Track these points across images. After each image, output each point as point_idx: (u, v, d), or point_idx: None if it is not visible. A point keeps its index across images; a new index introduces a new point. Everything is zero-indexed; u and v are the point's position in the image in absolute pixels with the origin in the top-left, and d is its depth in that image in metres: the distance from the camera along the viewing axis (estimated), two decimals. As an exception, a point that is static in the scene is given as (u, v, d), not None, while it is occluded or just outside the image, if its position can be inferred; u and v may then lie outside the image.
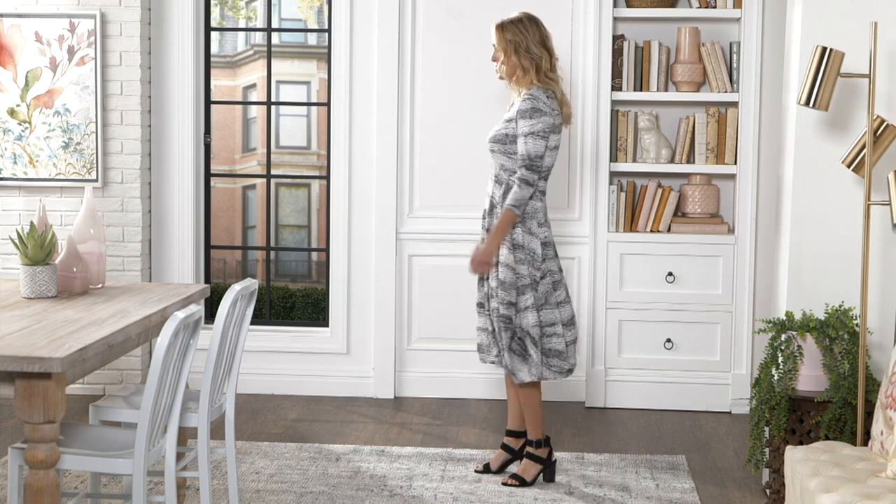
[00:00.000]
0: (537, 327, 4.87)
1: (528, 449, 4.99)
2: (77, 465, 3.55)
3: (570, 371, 4.99)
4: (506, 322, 4.86)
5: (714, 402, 6.23)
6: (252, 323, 6.10)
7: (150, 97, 6.42)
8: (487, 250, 4.85)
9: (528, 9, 5.92)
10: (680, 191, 6.24)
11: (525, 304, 4.86)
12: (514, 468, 5.08)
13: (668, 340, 6.21)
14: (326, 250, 6.54)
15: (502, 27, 4.91)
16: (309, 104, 7.80)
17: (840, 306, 4.60)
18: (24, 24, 6.26)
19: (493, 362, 4.99)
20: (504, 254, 4.86)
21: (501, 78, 4.97)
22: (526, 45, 4.87)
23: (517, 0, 6.11)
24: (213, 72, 6.75)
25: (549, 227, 4.94)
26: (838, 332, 4.51)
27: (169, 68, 6.41)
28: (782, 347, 4.56)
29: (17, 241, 4.23)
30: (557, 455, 5.33)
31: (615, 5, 6.15)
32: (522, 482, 4.95)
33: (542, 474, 5.00)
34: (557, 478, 5.05)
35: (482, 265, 4.87)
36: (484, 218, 4.99)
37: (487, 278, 4.93)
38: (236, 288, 4.04)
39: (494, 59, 4.96)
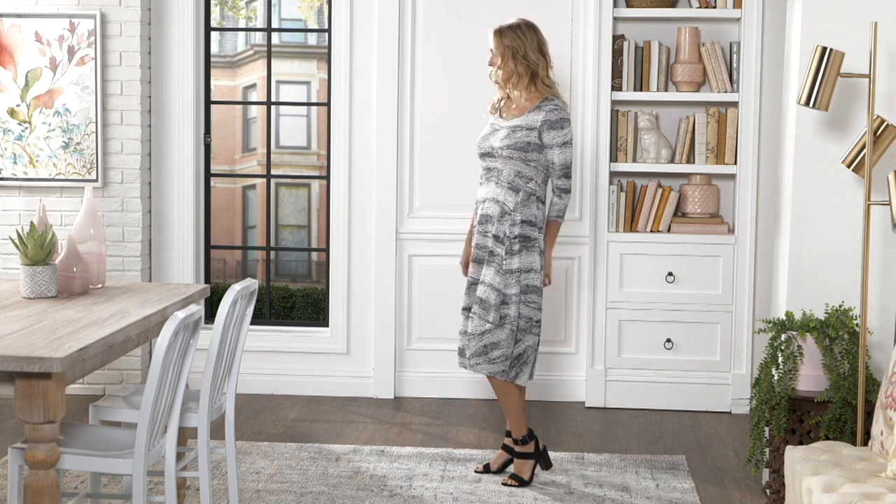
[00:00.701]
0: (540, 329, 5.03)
1: (517, 448, 5.02)
2: (77, 465, 3.55)
3: None
4: (538, 326, 4.95)
5: (714, 402, 6.23)
6: (252, 323, 6.10)
7: (150, 97, 6.42)
8: (550, 265, 5.03)
9: (528, 9, 5.95)
10: (680, 191, 6.24)
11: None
12: (514, 468, 5.08)
13: (668, 340, 6.21)
14: (326, 250, 6.54)
15: (500, 32, 4.93)
16: (309, 104, 7.80)
17: (840, 306, 4.60)
18: (24, 24, 6.26)
19: (495, 371, 4.98)
20: (536, 259, 4.91)
21: (497, 83, 4.99)
22: (524, 51, 4.89)
23: (517, 0, 6.13)
24: (213, 72, 6.75)
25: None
26: (838, 332, 4.51)
27: (169, 68, 6.41)
28: (782, 347, 4.56)
29: (17, 241, 4.23)
30: (558, 455, 5.34)
31: (615, 5, 6.15)
32: (521, 482, 4.96)
33: (537, 466, 5.04)
34: (557, 478, 5.06)
35: (550, 279, 5.06)
36: (491, 223, 4.94)
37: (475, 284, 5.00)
38: (236, 288, 4.04)
39: (491, 64, 4.98)
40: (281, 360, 6.50)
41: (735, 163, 6.15)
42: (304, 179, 8.06)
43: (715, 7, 6.15)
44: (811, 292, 4.76)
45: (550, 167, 4.92)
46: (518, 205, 4.90)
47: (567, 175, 4.92)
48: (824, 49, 4.36)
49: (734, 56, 6.12)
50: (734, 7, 6.12)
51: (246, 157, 7.82)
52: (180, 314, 3.47)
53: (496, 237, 4.93)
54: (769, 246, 6.00)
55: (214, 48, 7.34)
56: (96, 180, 6.29)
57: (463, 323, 5.04)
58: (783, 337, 4.60)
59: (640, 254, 6.19)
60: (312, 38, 7.82)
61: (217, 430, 5.33)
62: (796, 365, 4.55)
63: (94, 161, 6.29)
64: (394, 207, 6.36)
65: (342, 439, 5.63)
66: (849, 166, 4.50)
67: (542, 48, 4.94)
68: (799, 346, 4.55)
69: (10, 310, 4.01)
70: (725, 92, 6.14)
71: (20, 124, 6.30)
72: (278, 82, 7.53)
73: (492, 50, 4.97)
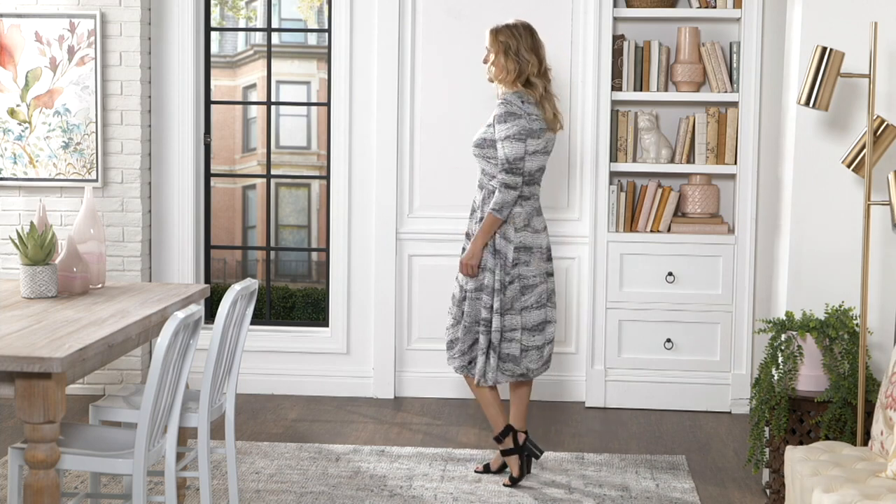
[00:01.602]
0: (497, 332, 4.92)
1: (499, 448, 5.07)
2: (77, 465, 3.55)
3: (523, 375, 5.01)
4: (486, 325, 4.92)
5: (714, 402, 6.23)
6: (252, 323, 6.10)
7: (150, 97, 6.42)
8: (470, 253, 4.92)
9: (528, 8, 5.96)
10: (680, 191, 6.24)
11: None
12: (512, 468, 5.10)
13: (668, 340, 6.21)
14: (326, 250, 6.54)
15: (496, 31, 4.98)
16: (309, 104, 7.80)
17: (840, 306, 4.60)
18: (24, 24, 6.26)
19: (456, 367, 5.04)
20: (489, 258, 4.91)
21: (491, 80, 5.01)
22: (516, 48, 4.91)
23: (517, 0, 6.13)
24: (213, 72, 6.75)
25: (531, 231, 4.95)
26: (838, 332, 4.51)
27: (169, 68, 6.41)
28: (782, 347, 4.56)
29: (17, 241, 4.23)
30: (558, 455, 5.35)
31: (615, 5, 6.15)
32: (514, 480, 4.98)
33: (526, 459, 5.01)
34: (557, 478, 5.06)
35: (466, 268, 4.94)
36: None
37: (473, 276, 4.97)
38: (236, 288, 4.04)
39: (485, 61, 5.00)
40: (281, 360, 6.50)
41: (735, 163, 6.15)
42: (304, 179, 8.06)
43: (715, 7, 6.15)
44: (811, 292, 4.76)
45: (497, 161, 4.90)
46: (481, 202, 4.98)
47: (511, 171, 4.83)
48: (824, 49, 4.36)
49: (734, 56, 6.12)
50: (734, 7, 6.12)
51: (246, 157, 7.82)
52: (180, 314, 3.47)
53: (467, 234, 5.04)
54: (769, 246, 6.00)
55: (214, 48, 7.34)
56: (96, 180, 6.29)
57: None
58: (783, 337, 4.60)
59: (640, 254, 6.19)
60: (312, 38, 7.82)
61: (217, 430, 5.33)
62: (796, 365, 4.55)
63: (94, 161, 6.29)
64: (394, 207, 6.36)
65: (342, 439, 5.63)
66: (849, 166, 4.50)
67: (536, 49, 4.94)
68: (799, 346, 4.55)
69: (10, 310, 4.01)
70: (725, 92, 6.14)
71: (20, 124, 6.30)
72: (278, 82, 7.53)
73: (487, 48, 4.99)
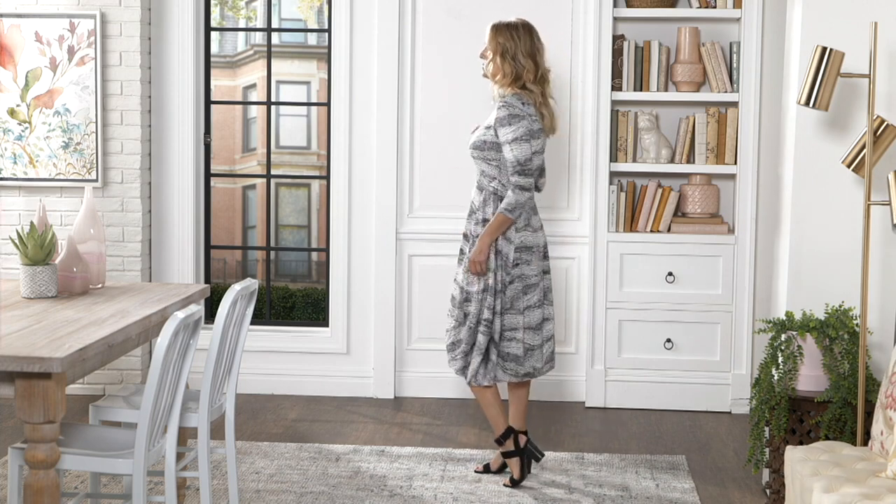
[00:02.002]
0: (497, 332, 4.93)
1: (500, 450, 5.06)
2: (77, 465, 3.55)
3: (529, 374, 5.01)
4: (488, 326, 4.91)
5: (714, 402, 6.23)
6: (252, 323, 6.09)
7: (150, 97, 6.42)
8: (477, 249, 4.89)
9: (528, 9, 5.95)
10: (680, 191, 6.24)
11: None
12: (513, 468, 5.10)
13: (668, 340, 6.21)
14: (326, 250, 6.54)
15: (496, 29, 4.95)
16: (309, 104, 7.80)
17: (840, 306, 4.60)
18: (24, 24, 6.26)
19: (457, 368, 5.05)
20: (491, 259, 4.91)
21: (485, 76, 5.01)
22: (513, 53, 4.90)
23: (517, 0, 6.13)
24: (213, 72, 6.75)
25: (531, 230, 4.95)
26: (838, 332, 4.51)
27: (169, 68, 6.41)
28: (782, 347, 4.57)
29: (17, 241, 4.23)
30: (558, 455, 5.35)
31: (615, 5, 6.15)
32: (514, 482, 4.98)
33: (526, 461, 5.01)
34: (557, 478, 5.06)
35: (474, 265, 4.91)
36: (467, 222, 5.07)
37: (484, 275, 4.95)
38: (236, 288, 4.04)
39: (482, 57, 5.00)
40: (281, 360, 6.50)
41: (735, 163, 6.15)
42: (304, 179, 8.06)
43: (715, 7, 6.15)
44: (811, 292, 4.76)
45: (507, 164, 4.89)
46: (482, 204, 4.96)
47: (522, 172, 4.83)
48: (824, 49, 4.36)
49: (734, 56, 6.12)
50: (734, 7, 6.12)
51: (246, 157, 7.82)
52: (180, 314, 3.47)
53: (465, 235, 5.03)
54: (769, 246, 6.00)
55: (214, 48, 7.34)
56: (96, 180, 6.29)
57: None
58: (783, 337, 4.60)
59: (640, 254, 6.19)
60: (312, 38, 7.82)
61: (217, 430, 5.33)
62: (796, 365, 4.55)
63: (94, 161, 6.29)
64: (394, 207, 6.36)
65: (342, 439, 5.63)
66: (849, 166, 4.50)
67: (534, 54, 4.92)
68: (799, 346, 4.55)
69: (10, 310, 4.01)
70: (725, 92, 6.14)
71: (20, 124, 6.30)
72: (278, 82, 7.53)
73: (486, 43, 4.99)
